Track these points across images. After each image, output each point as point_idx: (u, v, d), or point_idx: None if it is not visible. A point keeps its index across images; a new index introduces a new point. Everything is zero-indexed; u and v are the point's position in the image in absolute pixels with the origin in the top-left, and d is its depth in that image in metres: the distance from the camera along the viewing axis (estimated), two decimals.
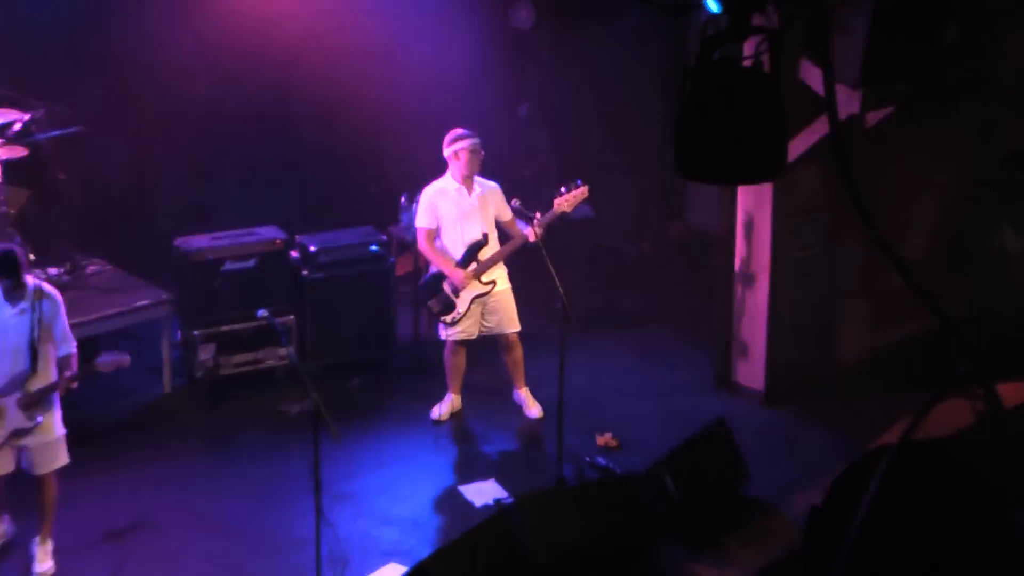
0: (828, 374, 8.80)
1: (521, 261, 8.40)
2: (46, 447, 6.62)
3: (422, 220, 8.09)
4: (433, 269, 8.19)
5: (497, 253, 8.09)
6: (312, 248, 9.06)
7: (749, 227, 8.57)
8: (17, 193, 8.70)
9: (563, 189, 7.92)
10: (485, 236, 8.05)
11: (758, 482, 7.43)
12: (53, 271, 8.80)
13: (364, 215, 9.89)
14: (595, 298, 10.28)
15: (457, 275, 8.02)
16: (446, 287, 8.09)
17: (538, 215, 7.82)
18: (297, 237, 9.23)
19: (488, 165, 8.21)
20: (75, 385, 6.55)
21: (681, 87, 3.54)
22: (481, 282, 8.06)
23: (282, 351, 8.68)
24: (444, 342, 8.30)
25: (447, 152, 8.04)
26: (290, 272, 9.03)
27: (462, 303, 8.08)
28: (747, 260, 8.61)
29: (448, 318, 8.12)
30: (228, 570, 6.81)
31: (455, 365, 8.36)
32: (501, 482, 7.65)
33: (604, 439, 8.08)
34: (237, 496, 7.54)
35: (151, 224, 9.76)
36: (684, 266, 10.85)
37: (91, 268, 9.11)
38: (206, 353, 8.67)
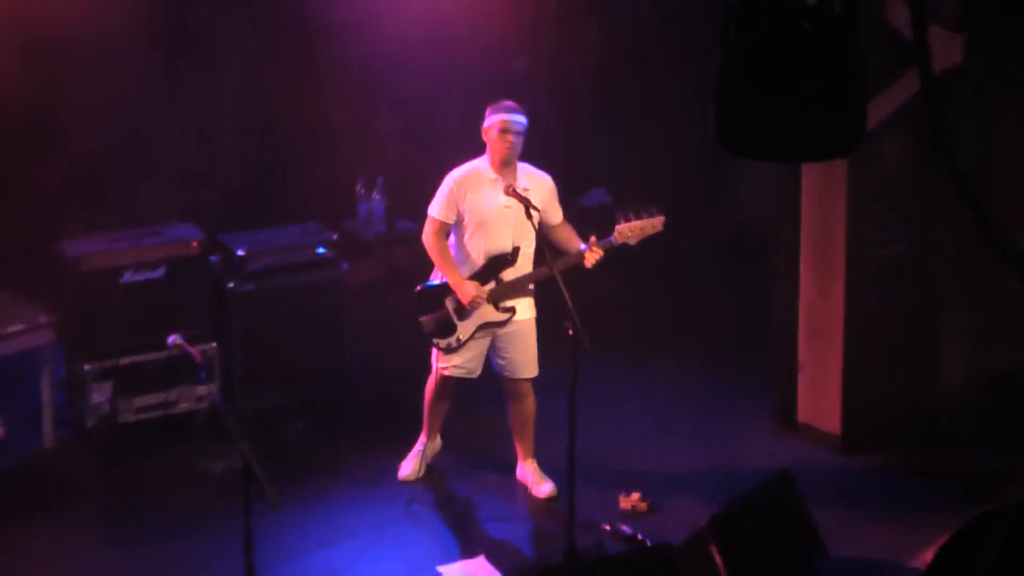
0: (924, 411, 8.80)
1: None
2: None
3: (437, 208, 8.00)
4: (438, 276, 8.11)
5: (527, 276, 8.02)
6: (239, 251, 9.05)
7: (817, 218, 8.58)
8: None
9: (631, 215, 7.92)
10: (516, 251, 7.98)
11: (835, 555, 7.43)
12: None
13: (307, 207, 9.89)
14: (616, 312, 10.28)
15: (467, 291, 7.93)
16: (448, 303, 8.02)
17: (592, 239, 7.84)
18: (219, 237, 9.23)
19: (470, 138, 8.18)
20: None
21: (725, 33, 3.54)
22: (497, 308, 8.00)
23: (201, 390, 8.67)
24: (431, 371, 8.21)
25: (484, 127, 8.02)
26: (211, 284, 9.03)
27: (465, 329, 8.01)
28: (815, 261, 8.62)
29: (443, 343, 8.07)
30: None
31: (438, 405, 8.30)
32: (493, 559, 7.65)
33: (630, 501, 8.09)
34: None
35: (24, 221, 9.73)
36: (731, 269, 10.86)
37: None
38: (100, 394, 8.66)
